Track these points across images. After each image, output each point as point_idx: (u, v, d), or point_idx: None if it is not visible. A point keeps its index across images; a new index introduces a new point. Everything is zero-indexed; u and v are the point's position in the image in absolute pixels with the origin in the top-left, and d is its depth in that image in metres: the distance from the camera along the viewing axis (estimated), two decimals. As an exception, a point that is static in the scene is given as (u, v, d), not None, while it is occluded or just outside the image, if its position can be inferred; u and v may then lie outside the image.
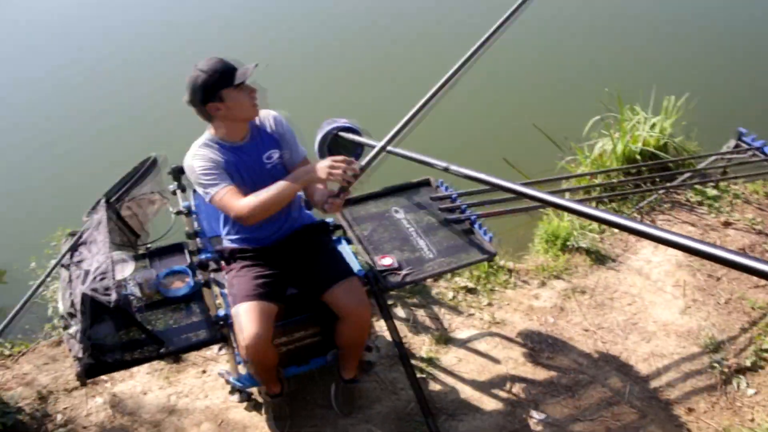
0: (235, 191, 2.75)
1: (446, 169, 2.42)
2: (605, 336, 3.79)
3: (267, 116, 2.99)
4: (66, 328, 2.62)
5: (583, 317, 3.92)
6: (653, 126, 5.21)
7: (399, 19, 8.68)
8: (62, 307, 2.68)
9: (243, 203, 2.72)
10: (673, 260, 4.27)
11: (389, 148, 2.63)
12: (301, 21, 8.98)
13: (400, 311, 3.99)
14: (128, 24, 9.39)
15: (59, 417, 3.43)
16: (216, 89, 2.66)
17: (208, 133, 2.87)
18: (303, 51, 8.12)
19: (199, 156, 2.80)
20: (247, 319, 2.76)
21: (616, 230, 4.58)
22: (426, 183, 3.74)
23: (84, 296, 2.41)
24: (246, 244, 3.07)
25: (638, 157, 5.06)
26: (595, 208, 1.71)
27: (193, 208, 3.35)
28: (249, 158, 2.87)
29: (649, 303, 4.00)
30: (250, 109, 2.79)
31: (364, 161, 2.64)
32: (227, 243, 3.13)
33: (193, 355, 3.73)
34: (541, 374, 3.57)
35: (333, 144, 3.38)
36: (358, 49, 8.10)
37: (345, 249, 3.39)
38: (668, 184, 4.84)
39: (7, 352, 3.85)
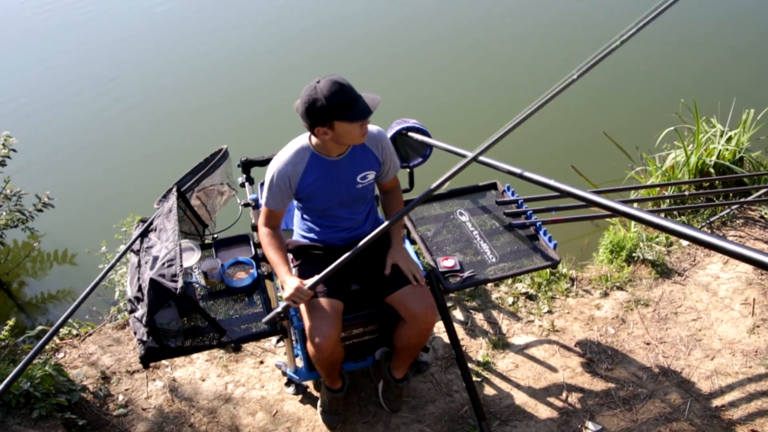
0: (273, 215, 2.89)
1: (521, 176, 2.41)
2: (667, 351, 3.70)
3: (371, 133, 2.85)
4: (132, 311, 2.70)
5: (645, 330, 3.84)
6: (729, 139, 5.04)
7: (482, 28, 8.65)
8: (130, 291, 2.75)
9: (263, 231, 2.90)
10: (743, 277, 4.14)
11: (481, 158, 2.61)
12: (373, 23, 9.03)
13: (458, 314, 3.98)
14: (211, 19, 9.56)
15: (120, 397, 3.53)
16: (330, 119, 2.55)
17: (307, 140, 2.79)
18: (375, 52, 8.15)
19: (282, 165, 2.77)
20: (318, 315, 2.76)
21: (684, 244, 4.47)
22: (493, 186, 3.71)
23: (151, 281, 2.47)
24: (318, 242, 3.06)
25: (711, 170, 4.91)
26: (665, 218, 1.68)
27: (260, 201, 3.38)
28: (341, 174, 2.81)
29: (715, 320, 3.89)
30: (358, 138, 2.68)
31: (453, 169, 2.58)
32: (298, 237, 3.13)
33: (251, 346, 3.79)
34: (598, 385, 3.51)
35: (400, 143, 3.40)
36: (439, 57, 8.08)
37: (408, 249, 3.40)
38: (742, 200, 4.68)
39: (74, 332, 3.97)
